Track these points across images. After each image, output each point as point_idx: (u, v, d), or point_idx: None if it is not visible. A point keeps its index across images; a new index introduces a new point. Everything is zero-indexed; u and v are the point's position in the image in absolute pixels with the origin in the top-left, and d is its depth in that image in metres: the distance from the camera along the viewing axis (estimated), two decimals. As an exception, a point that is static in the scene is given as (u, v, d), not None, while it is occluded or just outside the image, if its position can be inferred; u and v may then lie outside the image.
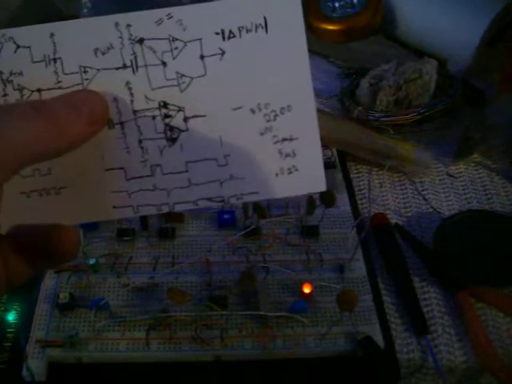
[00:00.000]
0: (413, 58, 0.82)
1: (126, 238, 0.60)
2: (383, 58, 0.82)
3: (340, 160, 0.71)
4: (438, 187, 0.70)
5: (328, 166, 0.69)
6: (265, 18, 0.29)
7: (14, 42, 0.29)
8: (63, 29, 0.29)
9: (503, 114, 0.73)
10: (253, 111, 0.30)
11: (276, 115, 0.30)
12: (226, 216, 0.61)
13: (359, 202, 0.67)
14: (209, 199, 0.32)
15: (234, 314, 0.54)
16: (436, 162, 0.73)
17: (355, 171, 0.72)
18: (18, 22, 0.79)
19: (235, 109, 0.30)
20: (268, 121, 0.31)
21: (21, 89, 0.29)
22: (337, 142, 0.70)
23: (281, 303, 0.55)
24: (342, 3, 0.88)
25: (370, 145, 0.70)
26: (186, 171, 0.31)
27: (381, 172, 0.70)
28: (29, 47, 0.29)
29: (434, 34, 0.83)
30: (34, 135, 0.25)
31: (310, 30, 0.89)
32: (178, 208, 0.32)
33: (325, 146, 0.70)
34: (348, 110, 0.75)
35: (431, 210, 0.66)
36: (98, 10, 0.88)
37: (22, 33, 0.29)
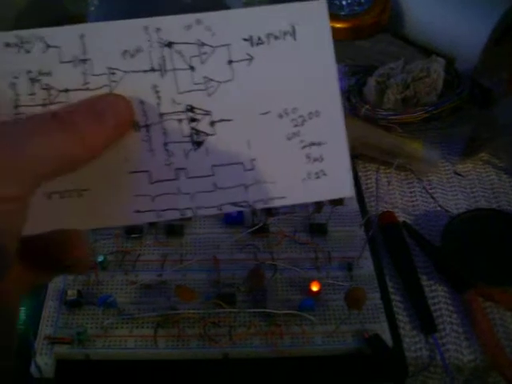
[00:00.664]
0: (420, 56, 0.82)
1: (134, 236, 0.60)
2: (390, 56, 0.82)
3: (348, 158, 0.71)
4: (445, 186, 0.70)
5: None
6: (293, 26, 0.29)
7: (44, 42, 0.28)
8: (93, 30, 0.29)
9: (511, 112, 0.72)
10: (280, 116, 0.30)
11: (304, 120, 0.30)
12: (233, 214, 0.61)
13: (367, 200, 0.67)
14: (234, 204, 0.31)
15: (241, 312, 0.54)
16: (443, 160, 0.73)
17: (363, 169, 0.72)
18: (25, 20, 0.79)
19: (262, 113, 0.30)
20: (296, 126, 0.30)
21: (48, 88, 0.29)
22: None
23: (289, 301, 0.55)
24: (349, 1, 0.87)
25: (378, 143, 0.70)
26: (211, 175, 0.31)
27: (388, 170, 0.70)
28: (58, 47, 0.28)
29: (441, 32, 0.83)
30: (56, 150, 0.25)
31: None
32: (202, 213, 0.31)
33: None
34: (355, 109, 0.75)
35: (439, 208, 0.66)
36: (104, 8, 0.88)
37: (52, 33, 0.28)
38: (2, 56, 0.28)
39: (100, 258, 0.57)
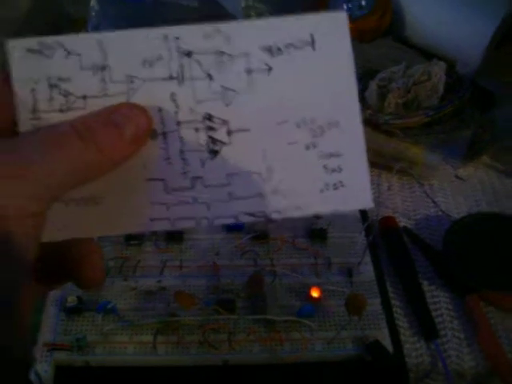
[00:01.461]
0: (421, 59, 0.82)
1: (133, 242, 0.60)
2: (392, 60, 0.82)
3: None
4: (446, 190, 0.70)
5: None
6: (312, 36, 0.29)
7: (65, 49, 0.29)
8: (114, 39, 0.29)
9: (512, 115, 0.72)
10: (298, 126, 0.30)
11: (322, 130, 0.30)
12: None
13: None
14: (250, 214, 0.31)
15: (241, 318, 0.54)
16: (445, 164, 0.72)
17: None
18: (27, 24, 0.79)
19: (280, 123, 0.30)
20: (314, 136, 0.30)
21: (67, 94, 0.29)
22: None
23: (289, 307, 0.55)
24: (350, 5, 0.87)
25: (379, 147, 0.69)
26: (228, 184, 0.30)
27: (389, 175, 0.70)
28: (79, 54, 0.29)
29: (442, 35, 0.83)
30: (76, 163, 0.25)
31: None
32: (218, 222, 0.31)
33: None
34: (356, 113, 0.75)
35: (440, 212, 0.66)
36: (105, 13, 0.88)
37: (73, 40, 0.29)
38: (24, 61, 0.28)
39: (99, 264, 0.56)
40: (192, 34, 0.29)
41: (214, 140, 0.30)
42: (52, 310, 0.54)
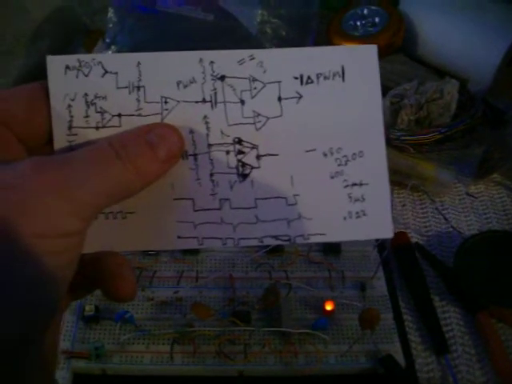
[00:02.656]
0: (434, 77, 0.83)
1: (150, 252, 0.61)
2: (404, 77, 0.83)
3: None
4: (458, 207, 0.71)
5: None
6: (342, 67, 0.30)
7: (103, 67, 0.30)
8: (150, 59, 0.30)
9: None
10: (325, 155, 0.31)
11: (347, 160, 0.31)
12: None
13: (380, 220, 0.68)
14: (275, 237, 0.32)
15: (257, 330, 0.54)
16: (456, 181, 0.73)
17: (376, 189, 0.72)
18: (43, 35, 0.80)
19: (308, 151, 0.31)
20: (339, 165, 0.31)
21: (102, 112, 0.30)
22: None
23: (303, 320, 0.56)
24: (363, 22, 0.89)
25: (391, 164, 0.70)
26: (255, 207, 0.31)
27: (402, 191, 0.71)
28: (116, 73, 0.30)
29: (454, 53, 0.84)
30: (114, 181, 0.26)
31: (332, 47, 0.90)
32: (243, 243, 0.32)
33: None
34: (369, 129, 0.76)
35: (451, 229, 0.67)
36: (122, 25, 0.89)
37: (111, 59, 0.30)
38: (62, 78, 0.30)
39: (117, 274, 0.57)
40: (227, 59, 0.30)
41: (243, 164, 0.31)
42: (70, 319, 0.55)
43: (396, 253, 0.64)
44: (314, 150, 0.31)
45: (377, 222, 0.32)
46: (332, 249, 0.62)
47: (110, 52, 0.89)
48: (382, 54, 0.90)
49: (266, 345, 0.54)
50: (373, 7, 0.89)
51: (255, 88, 0.30)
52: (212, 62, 0.30)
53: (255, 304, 0.56)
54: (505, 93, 0.81)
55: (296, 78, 0.30)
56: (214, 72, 0.30)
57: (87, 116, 0.30)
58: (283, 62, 0.30)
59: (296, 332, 0.54)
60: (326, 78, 0.30)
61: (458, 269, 0.61)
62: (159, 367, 0.53)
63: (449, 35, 0.85)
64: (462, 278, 0.60)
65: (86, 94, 0.30)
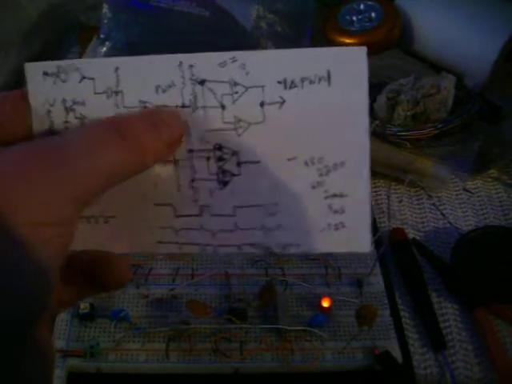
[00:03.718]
0: (430, 72, 0.83)
1: (145, 250, 0.60)
2: (401, 72, 0.82)
3: (358, 174, 0.71)
4: (455, 202, 0.70)
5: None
6: (329, 71, 0.29)
7: (80, 73, 0.29)
8: (128, 64, 0.29)
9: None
10: (306, 164, 0.30)
11: (329, 170, 0.30)
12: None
13: (376, 216, 0.67)
14: (252, 245, 0.31)
15: (253, 327, 0.54)
16: (453, 177, 0.73)
17: (373, 185, 0.72)
18: (37, 31, 0.80)
19: (289, 159, 0.30)
20: (320, 175, 0.30)
21: (82, 118, 0.29)
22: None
23: (299, 317, 0.55)
24: (360, 17, 0.88)
25: (388, 159, 0.70)
26: (234, 215, 0.31)
27: (398, 186, 0.71)
28: (93, 79, 0.29)
29: (451, 48, 0.84)
30: (114, 161, 0.25)
31: (328, 43, 0.89)
32: (222, 251, 0.31)
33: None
34: (365, 124, 0.76)
35: (448, 225, 0.67)
36: (117, 21, 0.89)
37: (88, 65, 0.29)
38: (41, 84, 0.29)
39: (112, 272, 0.57)
40: (207, 62, 0.29)
41: (223, 170, 0.30)
42: (65, 317, 0.55)
43: (393, 249, 0.63)
44: (295, 158, 0.30)
45: (355, 236, 0.31)
46: (328, 245, 0.61)
47: (104, 48, 0.89)
48: (379, 49, 0.90)
49: (263, 342, 0.53)
50: (369, 2, 0.89)
51: (237, 92, 0.29)
52: (192, 66, 0.29)
53: (251, 301, 0.56)
54: (501, 88, 0.81)
55: (280, 82, 0.29)
56: (193, 76, 0.29)
57: (67, 121, 0.29)
58: (267, 65, 0.29)
59: (292, 329, 0.53)
60: (311, 82, 0.29)
61: (455, 265, 0.61)
62: (155, 365, 0.52)
63: (445, 30, 0.84)
64: (459, 274, 0.60)
65: (64, 100, 0.29)
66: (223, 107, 0.29)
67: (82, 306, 0.54)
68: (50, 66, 0.29)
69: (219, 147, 0.30)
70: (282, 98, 0.29)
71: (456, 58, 0.83)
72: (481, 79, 0.81)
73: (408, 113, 0.73)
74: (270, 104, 0.29)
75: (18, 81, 0.30)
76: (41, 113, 0.29)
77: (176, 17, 0.88)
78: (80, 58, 0.94)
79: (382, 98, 0.75)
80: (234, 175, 0.30)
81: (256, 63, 0.29)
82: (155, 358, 0.52)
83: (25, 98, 0.29)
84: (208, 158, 0.30)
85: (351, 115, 0.29)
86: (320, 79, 0.29)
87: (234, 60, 0.29)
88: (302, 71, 0.29)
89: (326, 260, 0.60)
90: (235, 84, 0.29)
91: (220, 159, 0.30)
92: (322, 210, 0.30)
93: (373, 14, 0.87)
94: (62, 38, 1.00)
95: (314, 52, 0.29)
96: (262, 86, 0.29)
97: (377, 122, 0.74)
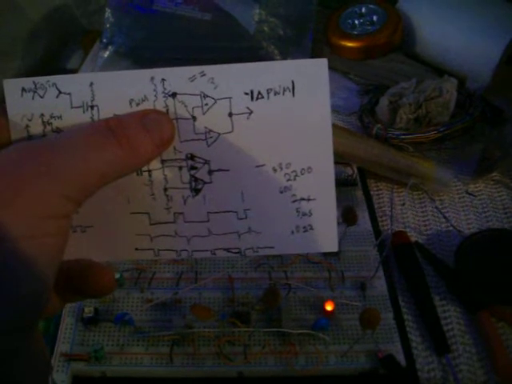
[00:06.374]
0: (432, 75, 0.83)
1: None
2: (403, 75, 0.83)
3: (360, 178, 0.71)
4: (457, 205, 0.70)
5: (349, 183, 0.70)
6: (293, 83, 0.30)
7: (57, 88, 0.30)
8: (102, 79, 0.30)
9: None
10: (275, 170, 0.32)
11: (296, 175, 0.32)
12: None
13: (379, 219, 0.68)
14: (226, 249, 0.33)
15: (256, 331, 0.54)
16: (455, 180, 0.73)
17: (375, 189, 0.72)
18: (40, 36, 0.80)
19: (258, 166, 0.31)
20: (288, 180, 0.32)
21: (59, 131, 0.30)
22: (357, 160, 0.71)
23: (303, 320, 0.55)
24: (361, 20, 0.89)
25: (390, 162, 0.70)
26: (207, 221, 0.32)
27: (401, 190, 0.71)
28: (69, 94, 0.30)
29: (453, 52, 0.84)
30: (107, 161, 0.26)
31: (330, 46, 0.90)
32: (197, 255, 0.33)
33: (346, 163, 0.70)
34: (367, 128, 0.76)
35: (451, 228, 0.67)
36: (120, 25, 0.89)
37: (64, 80, 0.30)
38: (19, 100, 0.30)
39: (116, 276, 0.57)
40: (177, 76, 0.30)
41: (196, 179, 0.32)
42: (69, 321, 0.55)
43: (396, 252, 0.63)
44: (264, 165, 0.32)
45: (323, 236, 0.33)
46: (331, 249, 0.61)
47: (107, 52, 0.89)
48: (380, 53, 0.90)
49: (266, 345, 0.53)
50: (371, 5, 0.89)
51: (206, 104, 0.30)
52: (163, 80, 0.30)
53: (255, 305, 0.56)
54: (504, 91, 0.81)
55: (246, 94, 0.30)
56: (165, 89, 0.30)
57: (44, 135, 0.31)
58: (234, 78, 0.30)
59: (296, 332, 0.53)
60: (276, 93, 0.30)
61: (457, 268, 0.61)
62: (159, 369, 0.52)
63: (447, 33, 0.84)
64: (462, 277, 0.60)
65: (42, 115, 0.30)
66: (194, 119, 0.31)
67: (87, 310, 0.55)
68: (28, 82, 0.30)
69: (191, 157, 0.31)
70: (249, 108, 0.31)
71: (458, 61, 0.83)
72: (483, 82, 0.81)
73: (410, 116, 0.73)
74: (238, 114, 0.31)
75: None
76: (19, 127, 0.30)
77: (178, 21, 0.89)
78: (82, 62, 0.94)
79: (384, 102, 0.76)
80: (205, 183, 0.32)
81: (224, 76, 0.30)
82: (159, 362, 0.53)
83: (5, 112, 0.30)
84: (180, 168, 0.31)
85: (315, 124, 0.31)
86: (285, 90, 0.30)
87: (202, 74, 0.30)
88: (268, 83, 0.30)
89: (329, 263, 0.60)
90: (205, 96, 0.30)
91: (192, 168, 0.31)
92: (291, 213, 0.33)
93: (374, 18, 0.88)
94: (65, 43, 1.01)
95: (279, 65, 0.31)
96: (230, 98, 0.30)
97: (379, 125, 0.74)
